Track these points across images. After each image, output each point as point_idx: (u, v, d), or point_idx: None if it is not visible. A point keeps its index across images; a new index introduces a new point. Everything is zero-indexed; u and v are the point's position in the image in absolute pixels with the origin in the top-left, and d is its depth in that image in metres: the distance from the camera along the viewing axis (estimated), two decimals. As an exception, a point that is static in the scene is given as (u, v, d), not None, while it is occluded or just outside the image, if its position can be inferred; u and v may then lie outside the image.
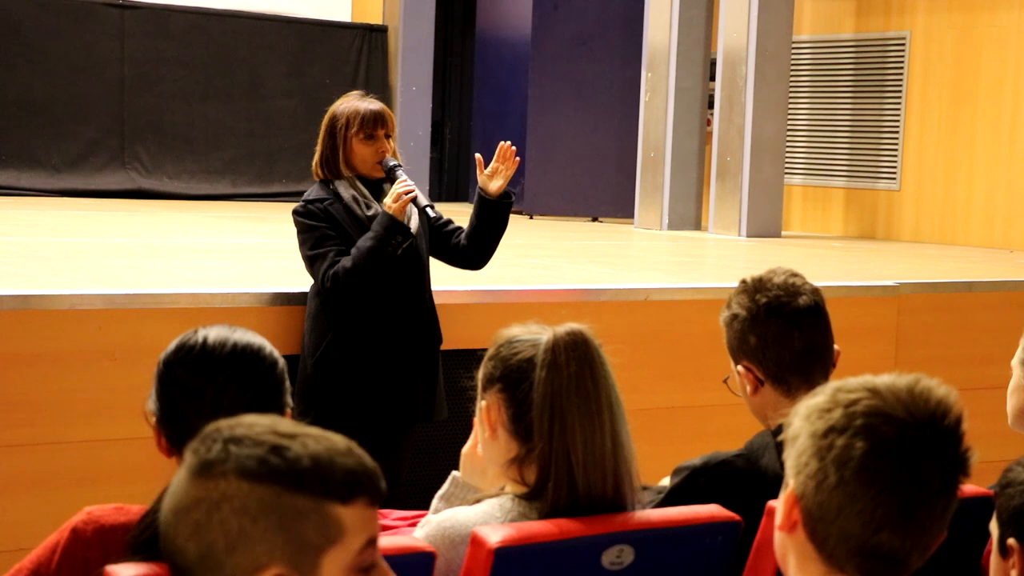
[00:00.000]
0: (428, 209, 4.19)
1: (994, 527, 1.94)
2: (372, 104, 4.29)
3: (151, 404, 2.21)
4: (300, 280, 4.51)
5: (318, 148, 4.31)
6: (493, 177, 4.38)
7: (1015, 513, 1.90)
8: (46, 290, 4.48)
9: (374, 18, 12.75)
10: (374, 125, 4.25)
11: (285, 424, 1.57)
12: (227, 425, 1.57)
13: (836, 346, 2.82)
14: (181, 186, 11.52)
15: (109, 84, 11.38)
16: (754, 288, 2.76)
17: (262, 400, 2.18)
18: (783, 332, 2.71)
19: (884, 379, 1.66)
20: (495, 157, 4.40)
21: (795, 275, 2.79)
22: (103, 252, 6.51)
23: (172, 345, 2.21)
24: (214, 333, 2.19)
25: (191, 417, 2.15)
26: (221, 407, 2.14)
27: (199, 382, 2.15)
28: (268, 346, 2.22)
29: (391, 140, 4.31)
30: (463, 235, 4.43)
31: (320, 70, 12.30)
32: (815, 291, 2.79)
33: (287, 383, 2.24)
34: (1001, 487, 1.94)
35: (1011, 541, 1.89)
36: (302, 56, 12.26)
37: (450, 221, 4.49)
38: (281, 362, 2.23)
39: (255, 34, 12.09)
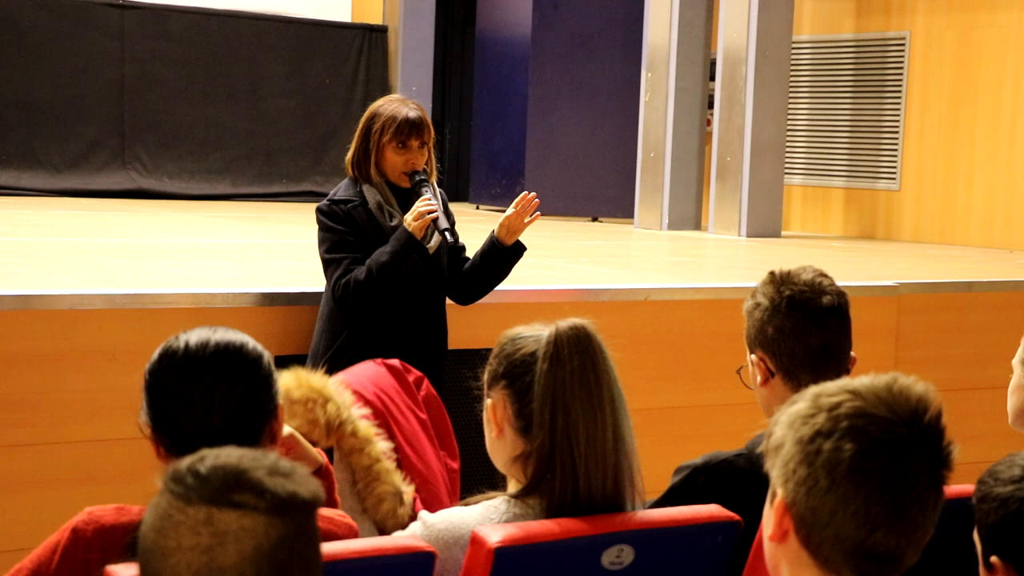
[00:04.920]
0: (446, 233, 4.13)
1: (977, 540, 1.94)
2: (411, 112, 4.22)
3: (143, 416, 2.21)
4: (300, 280, 4.51)
5: (352, 145, 4.27)
6: (512, 231, 4.28)
7: (993, 530, 1.89)
8: (46, 290, 4.48)
9: (374, 18, 12.75)
10: (408, 134, 4.20)
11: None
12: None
13: (853, 353, 2.82)
14: (181, 186, 11.51)
15: (109, 84, 11.38)
16: (780, 280, 2.77)
17: (251, 395, 2.18)
18: (801, 327, 2.72)
19: (862, 381, 1.66)
20: (514, 205, 4.26)
21: (823, 275, 2.82)
22: (103, 252, 6.51)
23: (155, 354, 2.21)
24: (195, 336, 2.20)
25: (184, 422, 2.15)
26: (212, 407, 2.15)
27: (187, 386, 2.16)
28: (251, 341, 2.23)
29: (426, 148, 4.25)
30: (464, 267, 4.37)
31: (320, 70, 12.30)
32: (841, 293, 2.81)
33: (275, 376, 2.24)
34: (977, 501, 1.93)
35: (994, 559, 1.89)
36: (302, 56, 12.25)
37: (464, 248, 4.42)
38: (266, 356, 2.24)
39: (255, 34, 12.09)
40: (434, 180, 4.29)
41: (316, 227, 4.29)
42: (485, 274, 4.36)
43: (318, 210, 4.25)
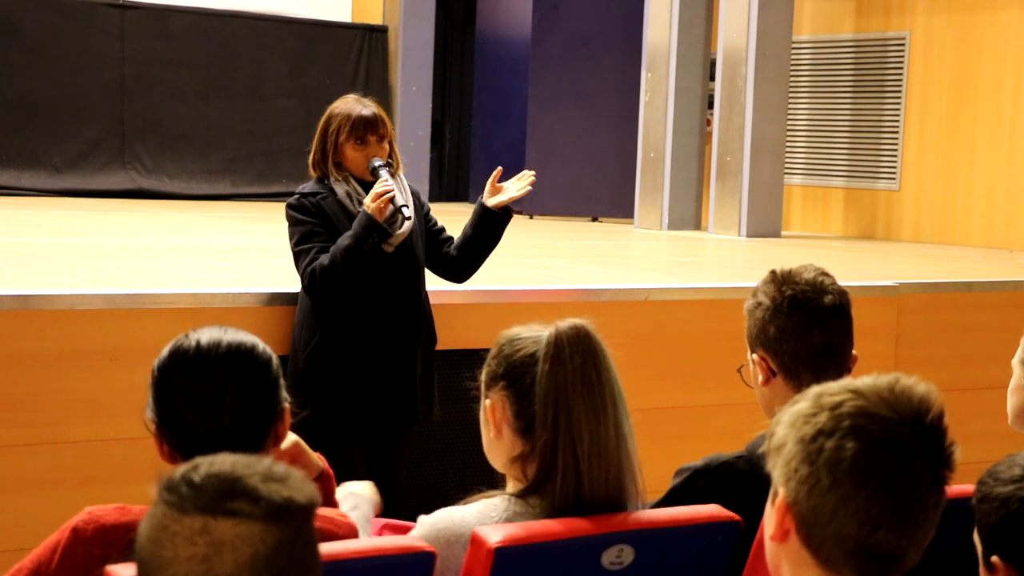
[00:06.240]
0: (404, 209, 4.19)
1: (977, 541, 1.93)
2: (366, 109, 4.28)
3: (149, 412, 2.21)
4: (299, 280, 4.51)
5: (312, 147, 4.34)
6: (501, 192, 4.37)
7: (994, 530, 1.89)
8: (46, 290, 4.48)
9: (374, 18, 12.74)
10: (364, 131, 4.25)
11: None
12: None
13: (855, 351, 2.82)
14: (181, 186, 11.51)
15: (109, 84, 11.38)
16: (782, 280, 2.76)
17: (261, 397, 2.18)
18: (803, 327, 2.71)
19: (864, 380, 1.66)
20: (517, 178, 4.41)
21: (825, 274, 2.80)
22: (103, 252, 6.51)
23: (165, 351, 2.20)
24: (206, 335, 2.19)
25: (194, 421, 2.15)
26: (223, 408, 2.14)
27: (198, 386, 2.15)
28: (260, 343, 2.23)
29: (385, 143, 4.29)
30: (453, 245, 4.43)
31: (320, 70, 12.29)
32: (842, 292, 2.79)
33: (281, 379, 2.24)
34: (977, 501, 1.93)
35: (995, 559, 1.88)
36: (302, 56, 12.25)
37: (444, 229, 4.48)
38: (275, 358, 2.24)
39: (255, 34, 12.09)
40: (401, 173, 4.33)
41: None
42: (478, 243, 4.41)
43: (287, 205, 4.32)
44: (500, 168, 4.47)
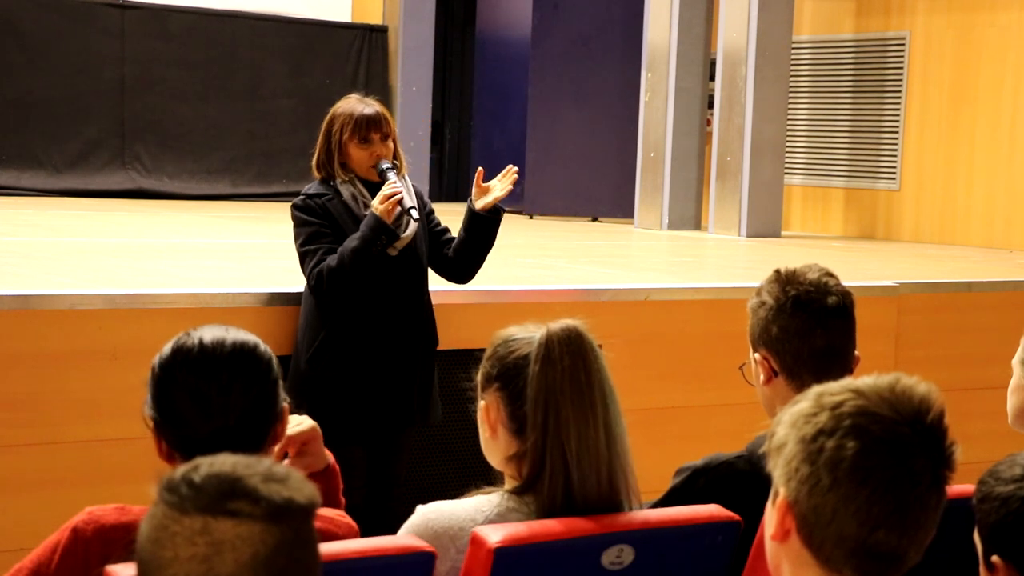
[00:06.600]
0: (412, 211, 4.19)
1: (977, 541, 1.94)
2: (368, 108, 4.28)
3: (148, 409, 2.20)
4: (300, 280, 4.51)
5: (316, 149, 4.33)
6: (487, 192, 4.36)
7: (994, 529, 1.89)
8: (46, 290, 4.48)
9: (374, 18, 12.74)
10: (368, 129, 4.25)
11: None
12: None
13: (857, 352, 2.82)
14: (181, 186, 11.51)
15: (109, 84, 11.37)
16: (786, 279, 2.76)
17: (264, 397, 2.18)
18: (806, 327, 2.71)
19: (865, 380, 1.66)
20: (499, 178, 4.38)
21: (829, 275, 2.80)
22: (103, 252, 6.51)
23: (167, 349, 2.19)
24: (209, 334, 2.19)
25: (196, 419, 2.14)
26: (228, 407, 2.14)
27: (203, 384, 2.14)
28: (262, 343, 2.23)
29: (389, 141, 4.30)
30: (451, 248, 4.43)
31: (320, 70, 12.29)
32: (846, 293, 2.78)
33: (280, 379, 2.24)
34: (977, 501, 1.93)
35: (995, 559, 1.88)
36: (302, 56, 12.25)
37: (447, 230, 4.48)
38: (275, 358, 2.24)
39: (255, 34, 12.08)
40: (405, 172, 4.33)
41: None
42: (472, 245, 4.40)
43: (293, 206, 4.31)
44: (481, 169, 4.42)
